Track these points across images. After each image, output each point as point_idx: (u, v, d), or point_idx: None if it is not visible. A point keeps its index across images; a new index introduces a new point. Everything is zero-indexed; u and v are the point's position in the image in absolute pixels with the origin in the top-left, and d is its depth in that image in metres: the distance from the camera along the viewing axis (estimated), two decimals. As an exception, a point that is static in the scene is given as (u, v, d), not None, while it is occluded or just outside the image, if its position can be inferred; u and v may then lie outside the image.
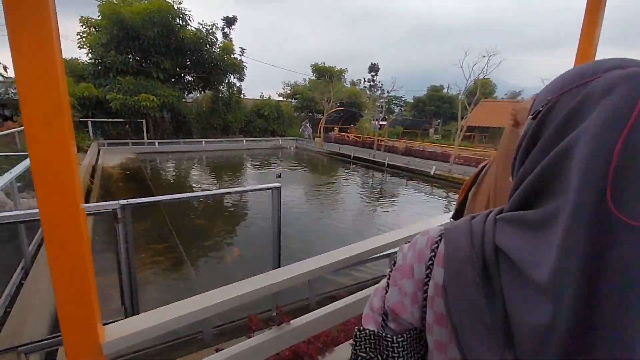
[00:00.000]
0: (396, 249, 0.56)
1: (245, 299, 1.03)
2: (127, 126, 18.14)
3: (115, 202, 2.05)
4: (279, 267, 2.56)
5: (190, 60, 18.99)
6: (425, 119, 42.90)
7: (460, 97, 14.53)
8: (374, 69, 44.25)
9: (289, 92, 34.89)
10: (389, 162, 15.68)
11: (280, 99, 34.10)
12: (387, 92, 44.70)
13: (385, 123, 39.37)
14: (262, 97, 30.18)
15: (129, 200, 2.08)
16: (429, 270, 0.43)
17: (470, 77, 13.70)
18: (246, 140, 21.43)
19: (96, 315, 0.78)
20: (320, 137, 23.81)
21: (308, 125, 27.76)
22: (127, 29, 15.87)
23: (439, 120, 44.00)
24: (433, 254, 0.44)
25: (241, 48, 26.15)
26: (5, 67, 13.27)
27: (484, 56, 13.47)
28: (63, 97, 0.65)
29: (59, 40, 0.65)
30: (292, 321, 1.21)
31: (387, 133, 33.32)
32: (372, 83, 44.51)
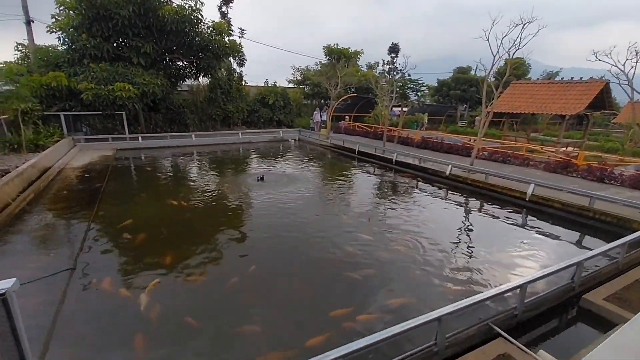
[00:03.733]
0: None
1: None
2: (114, 120, 16.56)
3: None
4: None
5: (176, 43, 16.95)
6: (450, 104, 39.10)
7: (487, 77, 11.58)
8: (394, 50, 40.57)
9: (299, 77, 32.32)
10: (398, 159, 13.12)
11: (291, 85, 31.71)
12: (408, 74, 41.27)
13: (404, 109, 36.24)
14: (267, 84, 27.89)
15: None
16: None
17: (498, 52, 10.71)
18: (242, 133, 19.36)
19: None
20: (326, 127, 21.39)
21: (318, 114, 25.36)
22: (98, 8, 13.96)
23: (465, 105, 40.07)
24: None
25: (240, 29, 23.88)
26: None
27: (517, 24, 10.41)
28: None
29: None
30: None
31: (405, 121, 30.34)
32: (391, 66, 41.01)
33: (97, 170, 11.51)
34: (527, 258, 6.05)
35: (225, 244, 6.27)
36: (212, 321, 4.14)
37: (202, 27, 17.38)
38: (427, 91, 43.05)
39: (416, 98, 35.66)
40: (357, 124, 24.16)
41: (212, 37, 17.47)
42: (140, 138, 16.35)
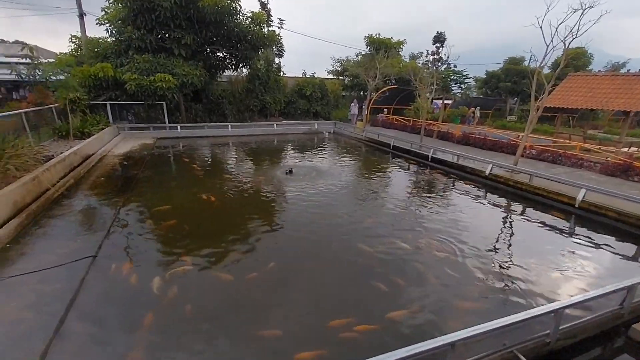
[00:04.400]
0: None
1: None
2: (156, 109, 17.24)
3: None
4: None
5: (216, 34, 17.12)
6: (500, 97, 36.23)
7: (539, 69, 10.25)
8: (439, 39, 38.35)
9: (338, 69, 31.62)
10: (434, 156, 12.21)
11: (330, 76, 31.13)
12: (454, 65, 38.80)
13: (447, 102, 34.16)
14: (305, 75, 27.56)
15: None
16: None
17: (552, 41, 9.37)
18: (277, 125, 19.32)
19: None
20: (362, 120, 20.69)
21: (355, 106, 24.68)
22: (142, 0, 14.43)
23: (516, 99, 36.90)
24: None
25: (280, 19, 23.70)
26: (31, 49, 12.92)
27: (576, 10, 9.03)
28: None
29: None
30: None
31: (447, 115, 28.58)
32: (435, 56, 38.80)
33: (136, 158, 11.99)
34: (570, 274, 5.22)
35: (248, 237, 6.12)
36: (226, 314, 4.08)
37: (241, 17, 17.39)
38: (473, 83, 40.29)
39: (459, 90, 33.30)
40: (396, 117, 23.14)
41: (250, 27, 17.44)
42: (179, 127, 16.88)
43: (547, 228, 7.11)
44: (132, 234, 6.16)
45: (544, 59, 10.14)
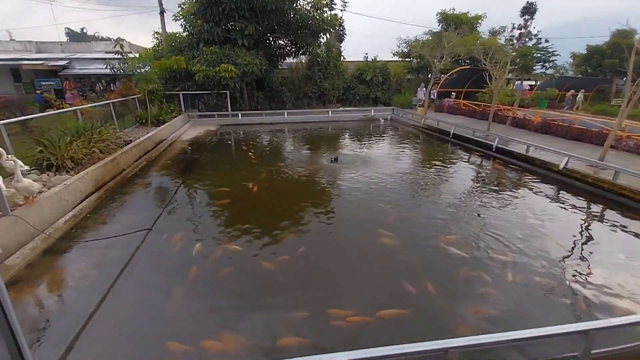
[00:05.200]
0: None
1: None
2: (223, 98, 18.63)
3: None
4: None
5: (276, 22, 17.59)
6: (603, 76, 30.62)
7: (638, 41, 8.36)
8: (529, 10, 33.59)
9: (404, 50, 29.90)
10: (499, 146, 10.98)
11: (396, 59, 29.66)
12: (545, 40, 33.79)
13: (532, 83, 30.03)
14: (367, 59, 26.75)
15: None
16: None
17: None
18: (332, 112, 19.29)
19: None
20: (423, 106, 19.46)
21: (422, 91, 23.35)
22: (210, -6, 15.49)
23: (625, 78, 30.73)
24: None
25: (343, 1, 23.22)
26: (121, 45, 14.98)
27: None
28: None
29: None
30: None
31: (532, 98, 25.21)
32: (523, 31, 34.09)
33: (200, 143, 13.22)
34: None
35: (288, 221, 6.35)
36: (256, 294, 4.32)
37: (302, 2, 17.54)
38: (570, 60, 34.53)
39: (543, 70, 28.91)
40: (464, 101, 21.25)
41: (310, 13, 17.51)
42: (240, 115, 18.01)
43: (633, 235, 5.98)
44: (187, 210, 6.89)
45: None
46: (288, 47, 20.11)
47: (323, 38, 20.28)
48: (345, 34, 24.41)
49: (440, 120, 15.22)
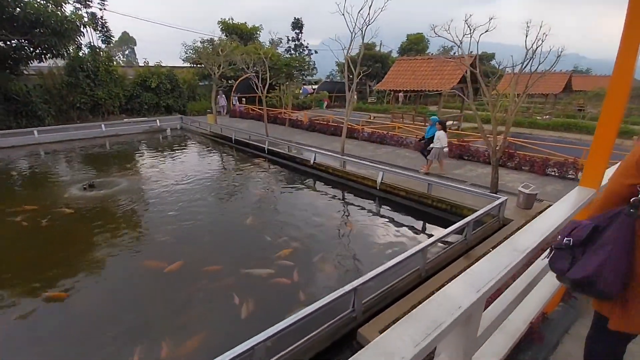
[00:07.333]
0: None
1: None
2: None
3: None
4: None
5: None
6: (360, 80, 39.52)
7: (347, 54, 11.14)
8: (297, 25, 39.19)
9: (193, 56, 29.10)
10: (269, 148, 12.28)
11: (187, 65, 28.38)
12: (314, 52, 40.49)
13: (312, 87, 35.53)
14: (147, 64, 24.46)
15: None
16: None
17: (355, 27, 10.32)
18: (106, 125, 16.31)
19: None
20: (219, 112, 19.59)
21: (222, 97, 23.38)
22: None
23: (375, 81, 41.05)
24: None
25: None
26: None
27: None
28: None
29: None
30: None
31: (310, 100, 29.74)
32: (297, 42, 39.64)
33: None
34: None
35: None
36: None
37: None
38: (337, 68, 42.77)
39: (302, 77, 34.30)
40: (251, 106, 22.78)
41: (45, 8, 14.10)
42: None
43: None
44: None
45: (350, 45, 11.20)
46: (26, 49, 15.69)
47: (78, 39, 16.92)
48: (112, 36, 21.31)
49: (224, 126, 15.61)
